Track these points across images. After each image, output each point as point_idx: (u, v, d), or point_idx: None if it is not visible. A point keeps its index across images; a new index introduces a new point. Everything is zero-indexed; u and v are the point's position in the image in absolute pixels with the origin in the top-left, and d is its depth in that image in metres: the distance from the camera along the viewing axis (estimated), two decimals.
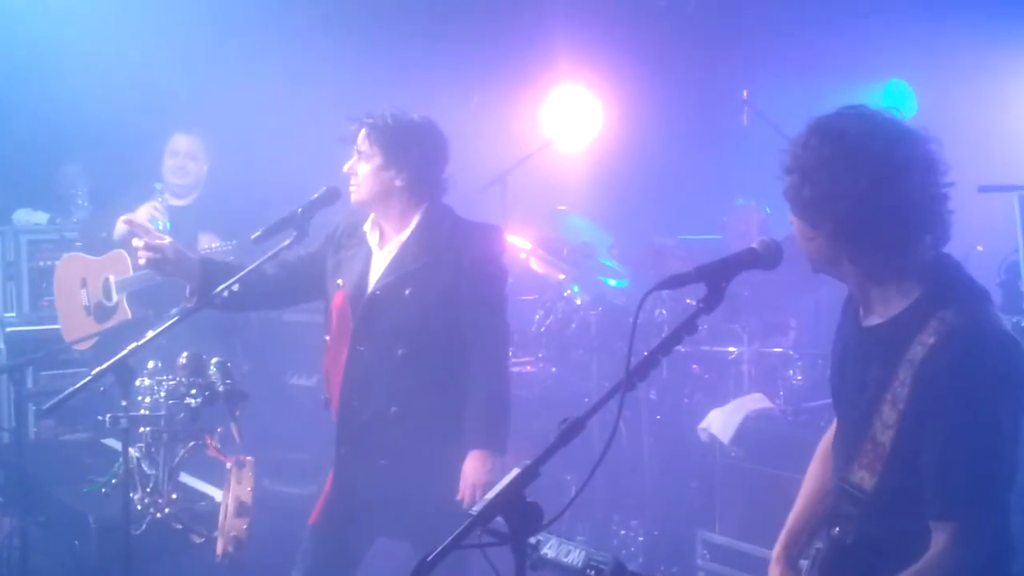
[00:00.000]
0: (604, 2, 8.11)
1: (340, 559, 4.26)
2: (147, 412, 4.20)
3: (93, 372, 3.94)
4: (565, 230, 7.79)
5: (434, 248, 4.16)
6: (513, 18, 7.91)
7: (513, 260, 6.75)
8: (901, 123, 2.76)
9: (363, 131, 4.17)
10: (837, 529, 2.85)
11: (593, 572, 2.53)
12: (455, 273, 4.13)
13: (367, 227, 4.29)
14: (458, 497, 4.07)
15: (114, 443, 5.12)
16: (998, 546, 2.76)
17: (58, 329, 6.72)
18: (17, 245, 7.22)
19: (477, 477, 4.07)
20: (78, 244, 6.87)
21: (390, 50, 7.53)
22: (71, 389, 3.97)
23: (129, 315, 6.25)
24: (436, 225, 4.20)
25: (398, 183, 4.16)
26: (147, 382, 4.23)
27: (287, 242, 4.12)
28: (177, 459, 4.24)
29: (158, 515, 4.20)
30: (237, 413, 4.16)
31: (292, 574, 4.26)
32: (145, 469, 4.23)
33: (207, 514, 4.43)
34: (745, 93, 7.25)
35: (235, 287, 4.10)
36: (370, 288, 4.19)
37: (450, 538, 2.34)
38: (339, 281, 4.27)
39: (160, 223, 6.23)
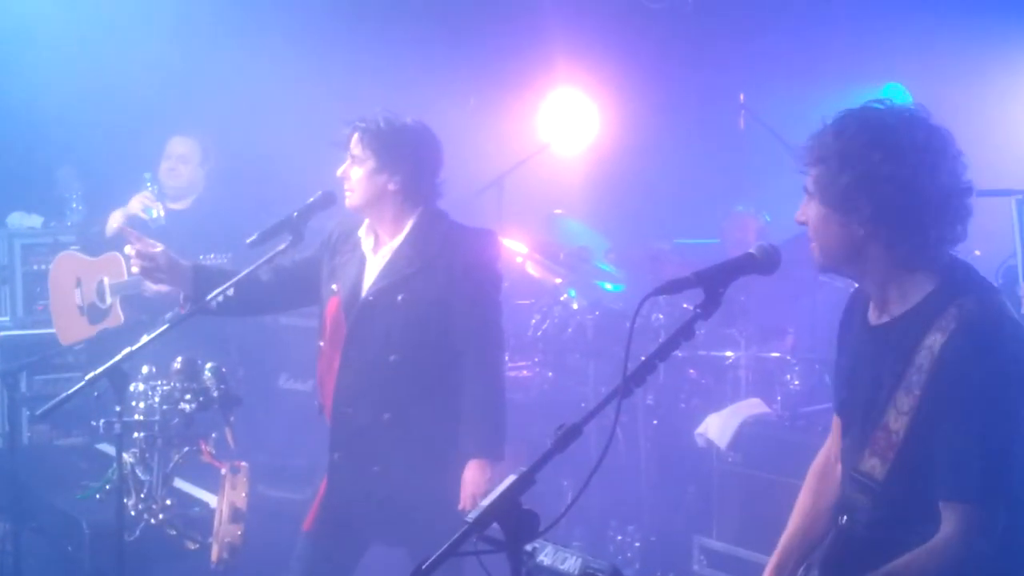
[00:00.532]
0: (601, 5, 8.10)
1: (334, 566, 4.24)
2: (141, 417, 4.19)
3: (87, 377, 3.93)
4: (562, 234, 7.77)
5: (428, 253, 4.14)
6: (510, 21, 7.90)
7: (509, 264, 6.73)
8: (930, 117, 2.82)
9: (356, 135, 4.16)
10: (845, 518, 2.85)
11: None
12: (449, 278, 4.11)
13: (362, 232, 4.27)
14: (460, 506, 4.05)
15: (108, 448, 5.09)
16: (1014, 546, 2.74)
17: (52, 333, 6.69)
18: (11, 249, 7.18)
19: (477, 486, 4.04)
20: (74, 247, 6.84)
21: (387, 53, 7.52)
22: (65, 394, 3.97)
23: (122, 319, 6.22)
24: (430, 230, 4.19)
25: (391, 187, 4.14)
26: (141, 387, 4.22)
27: (282, 246, 4.11)
28: (171, 464, 4.23)
29: (152, 521, 4.19)
30: (231, 418, 4.16)
31: None
32: (139, 475, 4.21)
33: (202, 520, 4.42)
34: (742, 97, 7.25)
35: (230, 292, 4.09)
36: (363, 294, 4.17)
37: (445, 545, 2.32)
38: (333, 287, 4.25)
39: (154, 211, 6.22)
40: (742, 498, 5.72)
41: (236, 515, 4.10)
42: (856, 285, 3.07)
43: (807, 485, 3.22)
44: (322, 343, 4.28)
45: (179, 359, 4.16)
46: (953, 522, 2.65)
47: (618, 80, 8.08)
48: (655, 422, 6.68)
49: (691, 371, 6.75)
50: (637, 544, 6.39)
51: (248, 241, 4.11)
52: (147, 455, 4.20)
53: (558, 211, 8.01)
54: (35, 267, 7.18)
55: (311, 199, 4.19)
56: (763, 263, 2.80)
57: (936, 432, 2.69)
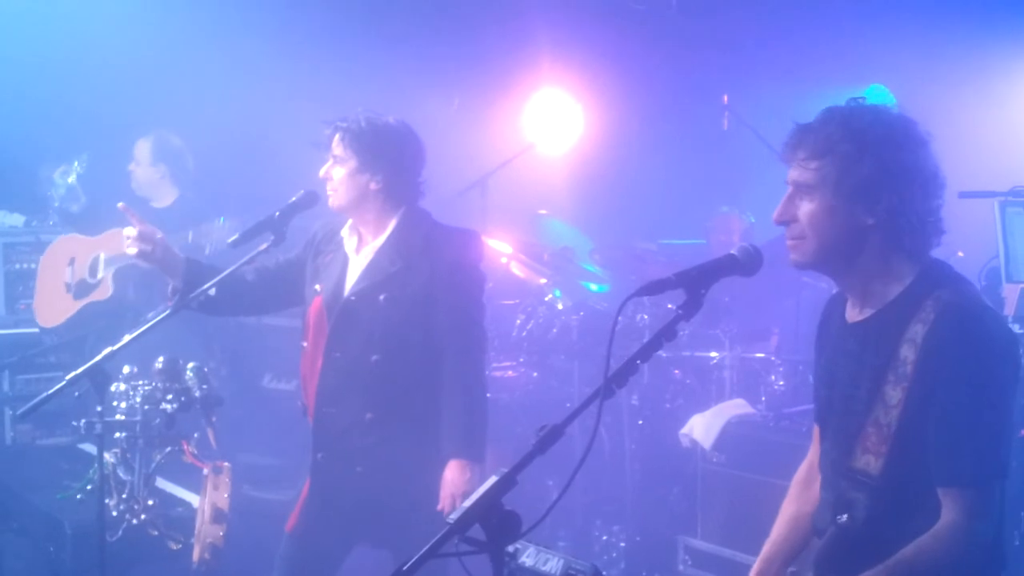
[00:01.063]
0: (585, 6, 8.10)
1: (317, 567, 4.23)
2: (123, 417, 4.16)
3: (68, 377, 3.91)
4: (546, 234, 7.78)
5: (410, 253, 4.13)
6: (495, 21, 7.89)
7: (494, 265, 6.74)
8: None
9: (337, 135, 4.14)
10: (845, 516, 2.85)
11: None
12: (430, 279, 4.11)
13: (344, 232, 4.26)
14: (439, 507, 4.04)
15: (91, 448, 5.07)
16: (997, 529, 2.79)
17: (36, 333, 6.66)
18: None
19: (457, 486, 4.03)
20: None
21: (371, 53, 7.51)
22: (45, 394, 3.96)
23: (110, 292, 6.19)
24: (412, 230, 4.18)
25: (373, 187, 4.14)
26: (123, 387, 4.19)
27: (264, 246, 4.10)
28: (153, 465, 4.20)
29: (134, 521, 4.17)
30: (214, 419, 4.13)
31: None
32: (121, 475, 4.19)
33: (183, 520, 4.39)
34: (726, 98, 7.26)
35: (211, 292, 4.09)
36: (346, 293, 4.16)
37: (427, 546, 2.31)
38: (317, 287, 4.24)
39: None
40: (727, 498, 5.72)
41: (218, 515, 4.08)
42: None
43: (791, 494, 3.24)
44: (305, 343, 4.27)
45: (161, 359, 4.14)
46: (953, 508, 2.69)
47: (603, 81, 8.09)
48: (640, 422, 6.69)
49: (676, 371, 6.76)
50: (622, 544, 6.40)
51: (230, 241, 4.11)
52: (129, 455, 4.17)
53: (542, 211, 8.02)
54: (17, 266, 7.14)
55: (293, 198, 4.17)
56: (745, 264, 2.80)
57: (927, 421, 2.72)
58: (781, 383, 6.12)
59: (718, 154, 7.64)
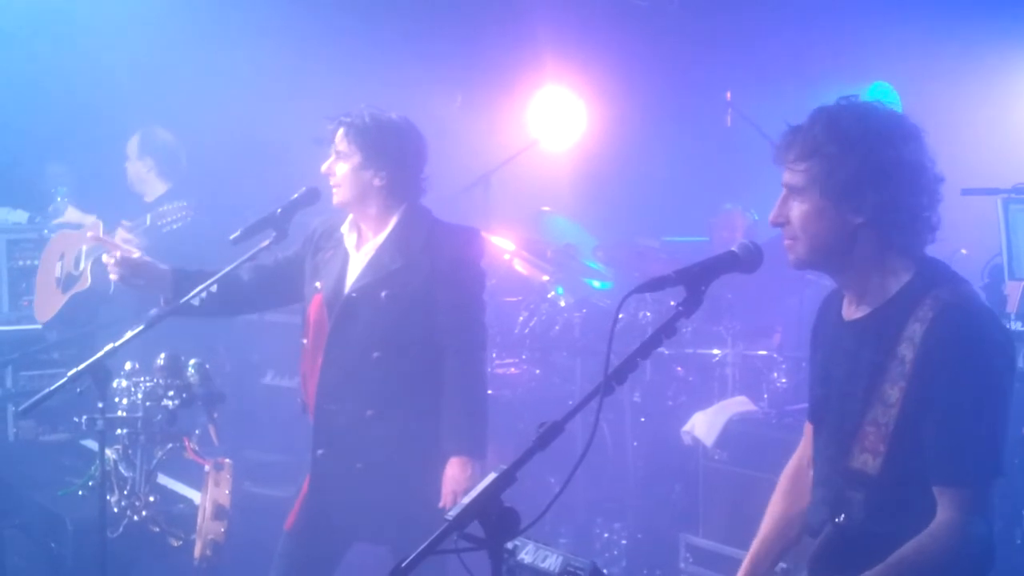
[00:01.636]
0: (588, 4, 8.09)
1: (316, 564, 4.24)
2: (124, 414, 4.17)
3: (69, 373, 3.91)
4: (549, 231, 7.78)
5: (411, 250, 4.13)
6: (497, 18, 7.89)
7: (497, 262, 6.74)
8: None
9: (341, 130, 4.14)
10: (843, 516, 2.86)
11: None
12: (431, 276, 4.11)
13: (345, 229, 4.26)
14: (440, 504, 4.04)
15: (92, 444, 5.08)
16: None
17: (39, 329, 6.68)
18: None
19: (458, 483, 4.04)
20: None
21: (374, 50, 7.50)
22: (47, 390, 3.96)
23: (88, 283, 6.28)
24: (413, 227, 4.18)
25: (376, 183, 4.13)
26: (124, 383, 4.20)
27: (266, 243, 4.09)
28: (154, 461, 4.21)
29: (135, 517, 4.17)
30: (215, 415, 4.13)
31: None
32: (122, 471, 4.20)
33: (185, 516, 4.40)
34: (728, 95, 7.25)
35: (213, 288, 4.09)
36: (347, 290, 4.16)
37: (426, 543, 2.31)
38: (317, 284, 4.24)
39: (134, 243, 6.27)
40: (728, 496, 5.71)
41: (219, 512, 4.08)
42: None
43: (779, 490, 3.26)
44: (305, 341, 4.27)
45: (162, 355, 4.14)
46: (950, 506, 2.70)
47: (606, 78, 8.09)
48: (642, 419, 6.69)
49: (678, 369, 6.76)
50: (624, 542, 6.39)
51: (231, 238, 4.10)
52: (130, 451, 4.18)
53: (546, 208, 8.02)
54: (20, 263, 7.15)
55: (295, 195, 4.17)
56: (745, 261, 2.80)
57: (925, 420, 2.73)
58: (783, 380, 6.11)
59: (721, 151, 7.63)
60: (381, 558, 4.21)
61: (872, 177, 2.77)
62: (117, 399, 4.17)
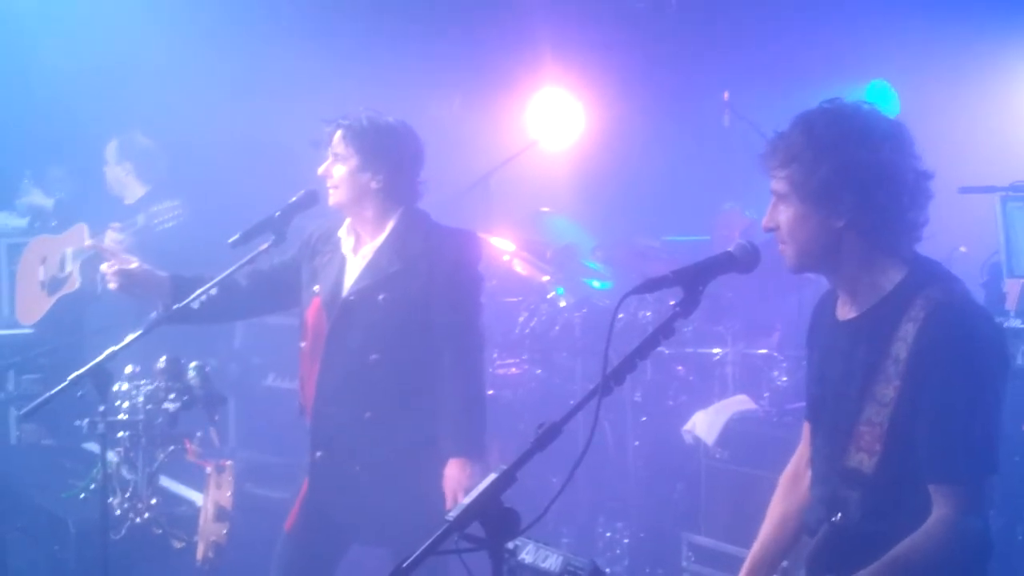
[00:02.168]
0: (586, 5, 8.09)
1: (315, 565, 4.25)
2: (126, 416, 4.18)
3: (70, 377, 3.92)
4: (549, 232, 7.77)
5: (408, 254, 4.13)
6: (496, 20, 7.89)
7: (496, 262, 6.74)
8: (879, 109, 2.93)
9: (339, 132, 4.15)
10: (840, 515, 2.86)
11: None
12: (429, 279, 4.11)
13: (342, 232, 4.27)
14: (446, 507, 4.04)
15: (94, 447, 5.08)
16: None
17: (41, 333, 6.70)
18: None
19: (458, 484, 4.04)
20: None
21: (372, 52, 7.51)
22: (48, 393, 3.97)
23: (77, 285, 6.37)
24: (411, 230, 4.18)
25: (374, 185, 4.14)
26: (125, 386, 4.21)
27: (265, 246, 4.10)
28: (156, 463, 4.22)
29: (137, 520, 4.19)
30: (216, 417, 4.15)
31: None
32: (124, 474, 4.21)
33: (187, 519, 4.41)
34: (726, 95, 7.25)
35: (213, 292, 4.10)
36: (345, 293, 4.16)
37: (426, 543, 2.32)
38: (315, 288, 4.25)
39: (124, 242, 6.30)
40: (730, 494, 5.71)
41: (221, 514, 4.10)
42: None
43: (779, 492, 3.27)
44: (303, 344, 4.27)
45: (163, 358, 4.16)
46: (945, 504, 2.72)
47: (604, 79, 8.09)
48: (643, 419, 6.68)
49: (679, 368, 6.75)
50: (625, 541, 6.39)
51: (230, 241, 4.11)
52: (132, 454, 4.20)
53: (545, 209, 8.01)
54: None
55: (293, 198, 4.19)
56: (742, 262, 2.82)
57: (919, 419, 2.74)
58: (784, 379, 6.10)
59: (720, 151, 7.62)
60: (381, 559, 4.22)
61: (847, 180, 2.79)
62: (118, 402, 4.19)
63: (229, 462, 4.18)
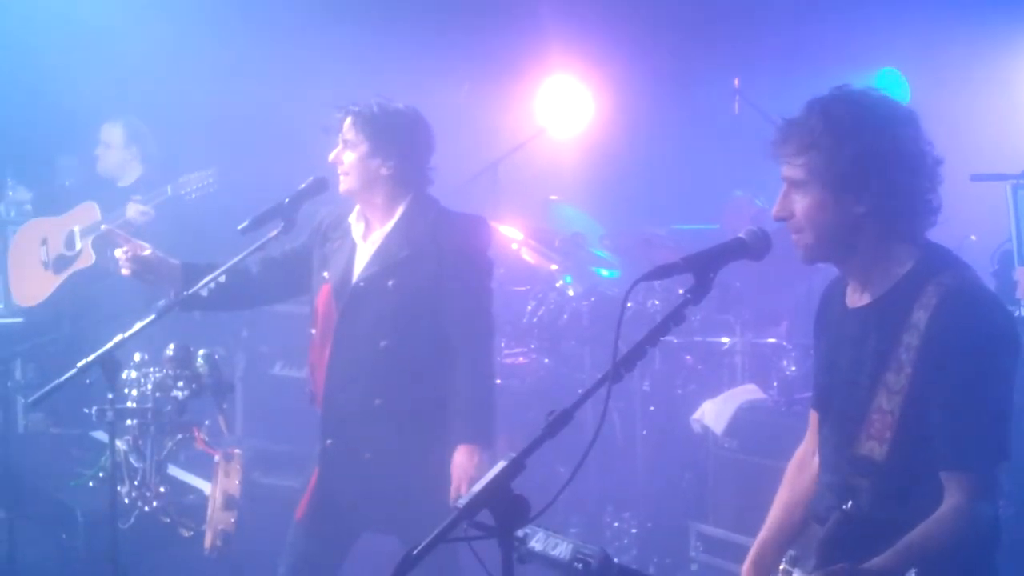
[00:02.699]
0: None
1: (325, 553, 4.24)
2: (134, 405, 4.18)
3: (79, 364, 3.92)
4: (557, 220, 7.75)
5: (418, 239, 4.13)
6: (504, 7, 7.86)
7: (504, 251, 6.73)
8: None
9: (349, 119, 4.15)
10: (851, 503, 2.86)
11: (580, 565, 2.53)
12: (439, 265, 4.11)
13: (352, 219, 4.26)
14: (451, 494, 4.04)
15: (103, 436, 5.09)
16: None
17: (49, 320, 6.70)
18: (3, 236, 7.19)
19: (465, 471, 4.03)
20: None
21: (381, 39, 7.49)
22: (56, 382, 3.98)
23: (93, 259, 6.41)
24: (421, 216, 4.18)
25: (384, 171, 4.14)
26: (134, 374, 4.21)
27: (274, 233, 4.10)
28: (165, 452, 4.22)
29: (146, 508, 4.19)
30: (224, 405, 4.15)
31: (278, 569, 4.24)
32: (132, 462, 4.21)
33: (195, 507, 4.42)
34: (736, 82, 7.22)
35: (222, 279, 4.10)
36: (354, 280, 4.16)
37: (436, 531, 2.32)
38: (325, 274, 4.25)
39: (149, 214, 6.31)
40: (738, 484, 5.70)
41: (229, 502, 4.10)
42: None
43: (786, 479, 3.27)
44: (313, 331, 4.27)
45: (171, 346, 4.16)
46: (957, 491, 2.71)
47: (613, 66, 8.06)
48: (652, 408, 6.67)
49: (687, 357, 6.74)
50: (634, 530, 6.38)
51: (240, 228, 4.11)
52: (140, 442, 4.20)
53: (553, 197, 7.99)
54: None
55: (303, 185, 4.18)
56: (753, 248, 2.80)
57: (931, 406, 2.73)
58: (793, 368, 6.08)
59: (729, 138, 7.58)
60: (390, 548, 4.22)
61: (870, 165, 2.78)
62: (127, 390, 4.19)
63: (237, 450, 4.19)
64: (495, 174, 7.12)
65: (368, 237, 4.22)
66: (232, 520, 4.09)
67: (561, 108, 7.94)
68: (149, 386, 4.17)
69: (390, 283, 4.10)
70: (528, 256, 7.03)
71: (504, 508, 2.35)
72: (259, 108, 7.13)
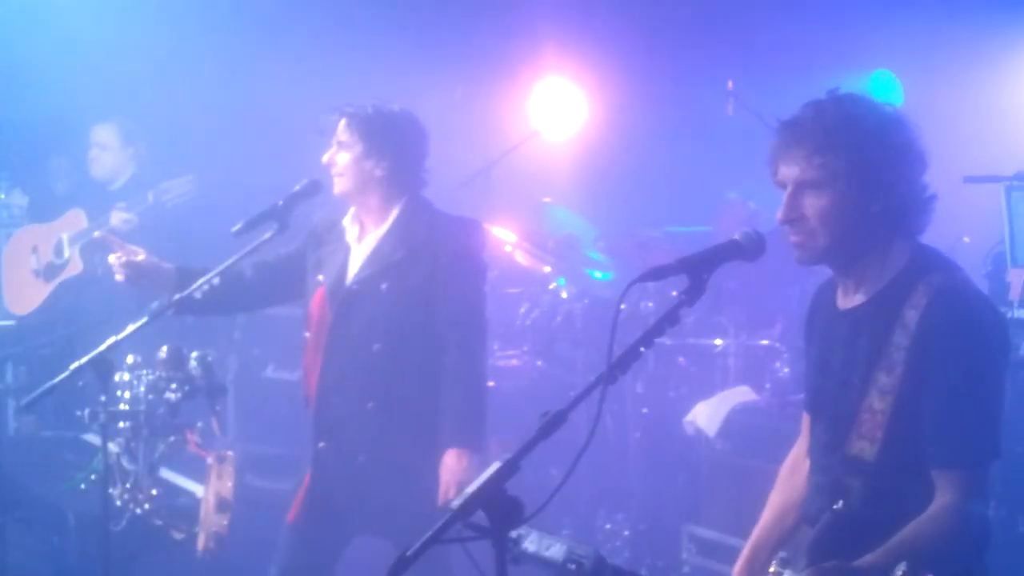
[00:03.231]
0: None
1: (317, 556, 4.23)
2: (126, 407, 4.17)
3: (71, 367, 3.91)
4: (550, 223, 7.75)
5: (412, 242, 4.13)
6: (497, 9, 7.86)
7: (498, 253, 6.72)
8: None
9: (343, 120, 4.16)
10: (841, 503, 2.86)
11: (574, 566, 2.53)
12: (433, 267, 4.11)
13: (346, 222, 4.27)
14: (440, 498, 4.03)
15: (94, 439, 5.08)
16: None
17: (39, 323, 6.68)
18: None
19: (453, 475, 4.03)
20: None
21: (374, 42, 7.49)
22: (48, 384, 3.96)
23: (80, 268, 6.42)
24: (415, 218, 4.18)
25: (378, 173, 4.14)
26: (126, 376, 4.19)
27: (268, 235, 4.09)
28: (157, 454, 4.21)
29: (138, 511, 4.18)
30: (217, 407, 4.14)
31: (270, 571, 4.23)
32: (125, 464, 4.20)
33: (188, 510, 4.40)
34: (730, 84, 7.22)
35: (215, 281, 4.09)
36: (348, 282, 4.16)
37: (430, 533, 2.31)
38: (319, 277, 4.25)
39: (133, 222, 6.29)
40: (731, 486, 5.70)
41: (222, 505, 4.09)
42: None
43: (779, 480, 3.28)
44: (308, 334, 4.27)
45: (164, 348, 4.15)
46: (948, 489, 2.72)
47: (606, 68, 8.05)
48: (644, 410, 6.67)
49: (680, 359, 6.74)
50: (626, 533, 6.38)
51: (233, 230, 4.11)
52: (133, 445, 4.18)
53: (547, 199, 7.99)
54: None
55: (297, 187, 4.18)
56: (748, 249, 2.80)
57: (922, 405, 2.74)
58: (786, 370, 6.09)
59: (723, 140, 7.59)
60: (382, 551, 4.20)
61: (893, 163, 2.80)
62: (119, 392, 4.17)
63: (230, 453, 4.18)
64: (488, 176, 7.11)
65: (362, 240, 4.22)
66: (225, 523, 4.08)
67: (554, 110, 7.93)
68: (142, 388, 4.15)
69: (384, 286, 4.10)
70: (521, 258, 7.03)
71: (498, 509, 2.35)
72: (251, 111, 7.12)
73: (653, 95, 8.21)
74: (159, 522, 4.23)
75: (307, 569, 4.22)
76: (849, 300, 2.95)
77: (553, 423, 2.46)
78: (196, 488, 4.59)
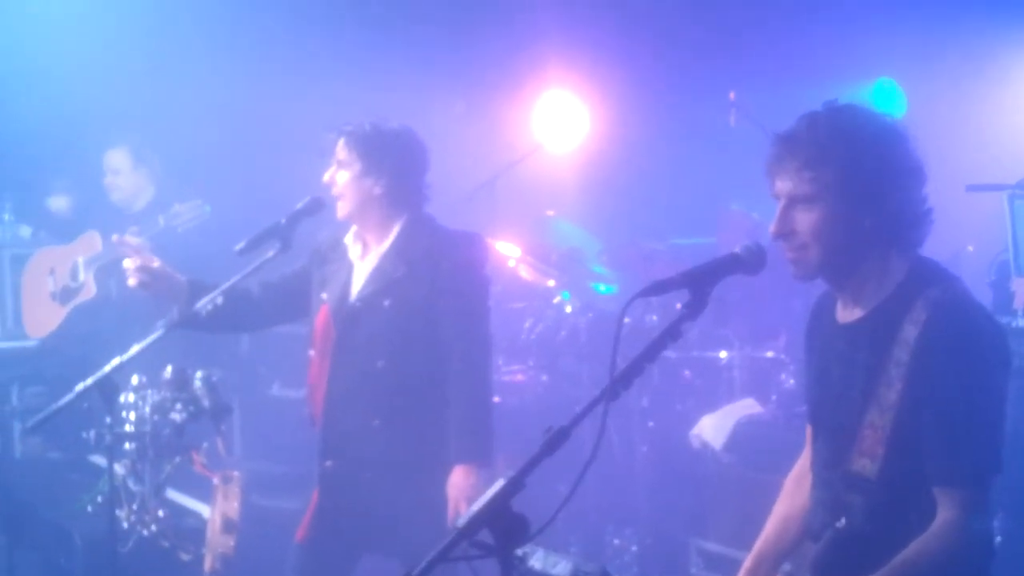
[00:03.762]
0: (590, 6, 8.08)
1: (328, 575, 4.21)
2: (132, 428, 4.16)
3: (77, 388, 3.91)
4: (554, 236, 7.75)
5: (414, 258, 4.12)
6: (499, 23, 7.87)
7: (501, 267, 6.72)
8: None
9: (342, 139, 4.16)
10: (844, 520, 2.85)
11: None
12: (435, 283, 4.10)
13: (348, 239, 4.26)
14: (449, 514, 4.02)
15: (100, 460, 5.07)
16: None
17: (44, 345, 6.69)
18: (0, 260, 7.18)
19: (462, 491, 4.03)
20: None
21: (376, 56, 7.50)
22: (55, 406, 3.97)
23: (93, 292, 6.42)
24: (416, 235, 4.17)
25: (377, 191, 4.14)
26: (131, 397, 4.19)
27: (271, 253, 4.09)
28: (163, 475, 4.20)
29: (145, 532, 4.16)
30: (223, 427, 4.13)
31: None
32: (131, 486, 4.18)
33: (194, 531, 4.39)
34: (732, 95, 7.23)
35: (219, 300, 4.09)
36: (351, 300, 4.16)
37: (436, 551, 2.30)
38: (323, 295, 4.25)
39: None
40: (738, 499, 5.67)
41: (229, 525, 4.07)
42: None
43: (784, 492, 3.27)
44: (312, 352, 4.27)
45: (169, 368, 4.14)
46: (950, 506, 2.70)
47: (609, 81, 8.06)
48: (651, 424, 6.66)
49: (685, 372, 6.72)
50: (634, 548, 6.37)
51: (237, 248, 4.10)
52: (138, 466, 4.17)
53: (550, 213, 7.99)
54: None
55: (299, 205, 4.18)
56: (748, 263, 2.79)
57: (922, 421, 2.73)
58: (791, 382, 6.07)
59: (726, 152, 7.59)
60: (391, 571, 4.19)
61: (892, 176, 2.78)
62: (124, 413, 4.17)
63: (236, 473, 4.16)
64: (492, 190, 7.11)
65: (365, 257, 4.22)
66: (232, 543, 4.06)
67: (557, 123, 7.93)
68: (147, 409, 4.14)
69: (386, 303, 4.09)
70: (525, 272, 7.03)
71: (504, 527, 2.33)
72: (257, 130, 7.13)
73: (656, 107, 8.22)
74: (166, 543, 4.21)
75: None
76: (848, 314, 2.94)
77: (557, 439, 2.45)
78: (203, 509, 4.59)
